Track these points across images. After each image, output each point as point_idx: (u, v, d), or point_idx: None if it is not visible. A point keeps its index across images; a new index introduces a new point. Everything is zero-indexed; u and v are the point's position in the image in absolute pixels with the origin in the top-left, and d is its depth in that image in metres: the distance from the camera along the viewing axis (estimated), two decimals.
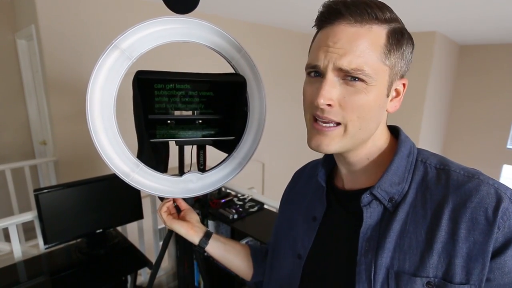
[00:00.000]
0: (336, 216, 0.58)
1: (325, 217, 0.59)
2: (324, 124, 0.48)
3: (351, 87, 0.46)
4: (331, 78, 0.46)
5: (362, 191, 0.52)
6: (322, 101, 0.45)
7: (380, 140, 0.54)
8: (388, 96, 0.49)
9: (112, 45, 0.67)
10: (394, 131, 0.57)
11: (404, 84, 0.51)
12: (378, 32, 0.45)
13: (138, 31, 0.70)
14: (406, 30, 0.49)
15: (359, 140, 0.50)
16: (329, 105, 0.46)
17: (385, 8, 0.46)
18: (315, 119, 0.49)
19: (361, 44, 0.44)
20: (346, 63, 0.44)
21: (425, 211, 0.47)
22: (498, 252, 0.43)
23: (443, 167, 0.49)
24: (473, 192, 0.45)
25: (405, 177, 0.50)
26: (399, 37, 0.47)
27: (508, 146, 4.92)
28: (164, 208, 0.80)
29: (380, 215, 0.50)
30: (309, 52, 0.52)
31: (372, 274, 0.47)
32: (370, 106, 0.47)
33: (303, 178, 0.72)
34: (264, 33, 3.84)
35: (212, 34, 0.78)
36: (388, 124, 0.57)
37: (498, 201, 0.43)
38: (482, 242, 0.43)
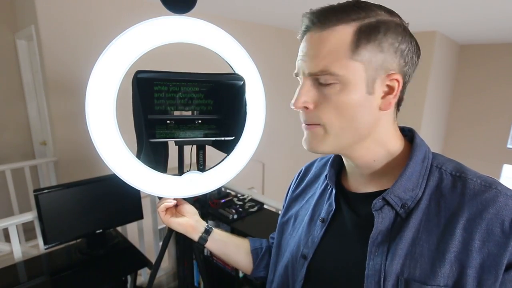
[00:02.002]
0: (344, 219, 0.57)
1: (333, 218, 0.58)
2: (307, 127, 0.51)
3: (325, 89, 0.48)
4: (307, 82, 0.49)
5: (373, 194, 0.51)
6: (297, 104, 0.49)
7: (390, 142, 0.52)
8: (370, 93, 0.47)
9: (111, 45, 0.67)
10: (408, 133, 0.56)
11: (397, 80, 0.48)
12: (343, 31, 0.46)
13: (137, 31, 0.70)
14: (387, 22, 0.47)
15: (346, 139, 0.50)
16: (307, 108, 0.49)
17: (355, 7, 0.46)
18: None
19: (325, 46, 0.46)
20: (313, 67, 0.47)
21: (439, 219, 0.46)
22: None
23: (459, 174, 0.48)
24: (490, 203, 0.44)
25: (419, 183, 0.49)
26: (371, 30, 0.46)
27: (508, 146, 4.92)
28: (163, 208, 0.79)
29: (391, 221, 0.49)
30: None
31: (382, 280, 0.47)
32: (346, 106, 0.47)
33: (311, 174, 0.71)
34: (264, 32, 3.84)
35: (210, 34, 0.78)
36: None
37: None
38: (497, 254, 0.42)
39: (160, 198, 0.83)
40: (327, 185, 0.61)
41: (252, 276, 0.79)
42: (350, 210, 0.56)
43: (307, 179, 0.71)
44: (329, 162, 0.63)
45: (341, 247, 0.55)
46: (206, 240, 0.77)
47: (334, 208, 0.58)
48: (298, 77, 0.53)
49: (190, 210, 0.80)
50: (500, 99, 4.85)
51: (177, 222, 0.76)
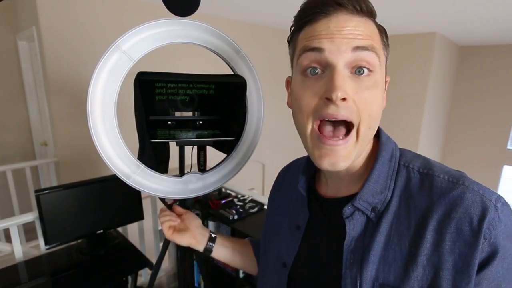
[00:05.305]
0: (319, 225, 0.56)
1: (308, 226, 0.57)
2: (334, 135, 0.44)
3: (361, 81, 0.43)
4: (342, 68, 0.42)
5: (345, 199, 0.50)
6: (339, 94, 0.40)
7: (369, 143, 0.52)
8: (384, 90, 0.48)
9: (113, 47, 0.68)
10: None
11: (387, 81, 0.50)
12: (373, 25, 0.45)
13: (138, 32, 0.70)
14: None
15: (366, 142, 0.47)
16: (344, 99, 0.42)
17: (370, 4, 0.46)
18: (319, 131, 0.45)
19: (366, 30, 0.43)
20: (362, 42, 0.42)
21: (409, 222, 0.45)
22: (485, 263, 0.41)
23: (427, 171, 0.47)
24: (457, 201, 0.42)
25: (388, 184, 0.48)
26: (385, 30, 0.48)
27: (509, 147, 4.91)
28: (167, 225, 0.75)
29: (363, 226, 0.48)
30: (293, 53, 0.50)
31: (358, 287, 0.46)
32: (378, 102, 0.45)
33: (287, 179, 0.69)
34: (264, 34, 3.85)
35: (210, 36, 0.79)
36: (385, 122, 0.56)
37: (484, 210, 0.41)
38: (468, 254, 0.41)
39: (161, 199, 0.84)
40: (300, 192, 0.60)
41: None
42: (324, 217, 0.55)
43: (285, 183, 0.70)
44: (301, 169, 0.60)
45: (318, 255, 0.54)
46: (211, 251, 0.76)
47: (308, 215, 0.57)
48: (310, 67, 0.44)
49: (193, 220, 0.78)
50: (501, 100, 4.85)
51: (180, 237, 0.75)
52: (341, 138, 0.44)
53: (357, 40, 0.42)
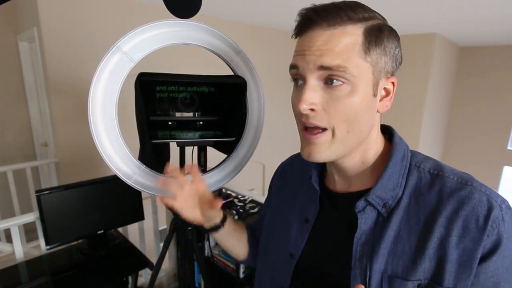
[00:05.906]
0: (329, 219, 0.58)
1: (318, 219, 0.59)
2: (311, 132, 0.48)
3: (334, 91, 0.45)
4: (312, 82, 0.46)
5: (356, 194, 0.53)
6: (304, 107, 0.45)
7: (376, 143, 0.54)
8: (375, 96, 0.48)
9: (114, 48, 0.68)
10: (387, 131, 0.57)
11: (393, 83, 0.50)
12: (354, 31, 0.45)
13: (139, 34, 0.71)
14: (386, 25, 0.48)
15: (350, 144, 0.49)
16: (313, 110, 0.46)
17: (358, 7, 0.46)
18: (305, 128, 0.49)
19: (338, 44, 0.44)
20: (327, 61, 0.44)
21: (419, 218, 0.48)
22: (485, 258, 0.44)
23: (437, 172, 0.50)
24: (465, 200, 0.46)
25: (399, 182, 0.50)
26: (377, 33, 0.46)
27: (509, 148, 4.91)
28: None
29: (374, 220, 0.50)
30: None
31: (368, 278, 0.48)
32: (356, 109, 0.46)
33: (293, 173, 0.71)
34: (265, 35, 3.85)
35: (211, 37, 0.79)
36: (385, 123, 0.57)
37: (490, 209, 0.44)
38: (472, 249, 0.44)
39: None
40: (311, 186, 0.61)
41: (246, 263, 0.78)
42: (333, 211, 0.57)
43: (290, 176, 0.71)
44: (313, 163, 0.61)
45: (327, 247, 0.56)
46: (221, 231, 0.71)
47: (318, 209, 0.59)
48: (295, 78, 0.50)
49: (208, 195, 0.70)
50: (501, 101, 4.85)
51: (189, 214, 0.68)
52: (316, 133, 0.48)
53: (323, 58, 0.44)
